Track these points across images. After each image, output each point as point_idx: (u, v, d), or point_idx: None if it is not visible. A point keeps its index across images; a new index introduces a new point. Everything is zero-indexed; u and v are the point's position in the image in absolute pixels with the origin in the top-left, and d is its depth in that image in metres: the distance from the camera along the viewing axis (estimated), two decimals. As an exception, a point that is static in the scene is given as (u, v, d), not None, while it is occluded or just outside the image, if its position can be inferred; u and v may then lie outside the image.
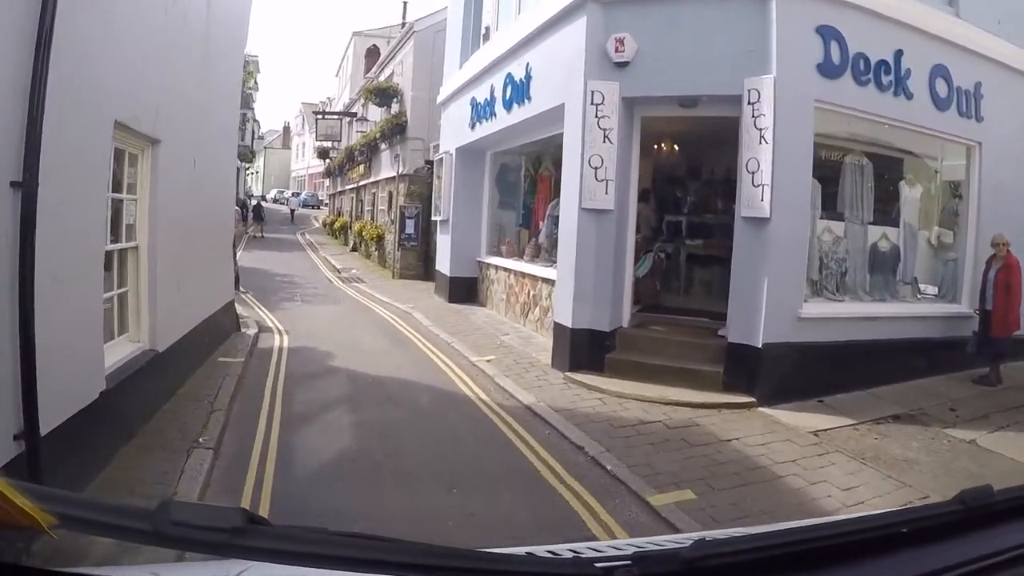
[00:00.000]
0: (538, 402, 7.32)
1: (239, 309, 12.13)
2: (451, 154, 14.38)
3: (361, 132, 23.31)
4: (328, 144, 35.80)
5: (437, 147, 17.84)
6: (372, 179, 23.02)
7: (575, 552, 1.22)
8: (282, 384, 7.61)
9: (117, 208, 5.61)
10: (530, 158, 13.45)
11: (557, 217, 11.97)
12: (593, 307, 8.29)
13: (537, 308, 10.97)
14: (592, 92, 8.19)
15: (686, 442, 6.14)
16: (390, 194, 20.06)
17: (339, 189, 32.38)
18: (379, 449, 5.86)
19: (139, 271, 6.04)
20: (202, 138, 7.52)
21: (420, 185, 18.22)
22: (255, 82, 50.94)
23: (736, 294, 7.87)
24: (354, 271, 19.79)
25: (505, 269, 12.70)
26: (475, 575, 0.92)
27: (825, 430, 6.59)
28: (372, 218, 22.99)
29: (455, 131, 14.26)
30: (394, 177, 19.32)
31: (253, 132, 49.80)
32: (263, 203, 41.32)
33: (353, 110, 27.71)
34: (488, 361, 9.00)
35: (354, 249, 25.86)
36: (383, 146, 21.01)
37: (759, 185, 7.55)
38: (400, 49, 20.14)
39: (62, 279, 4.06)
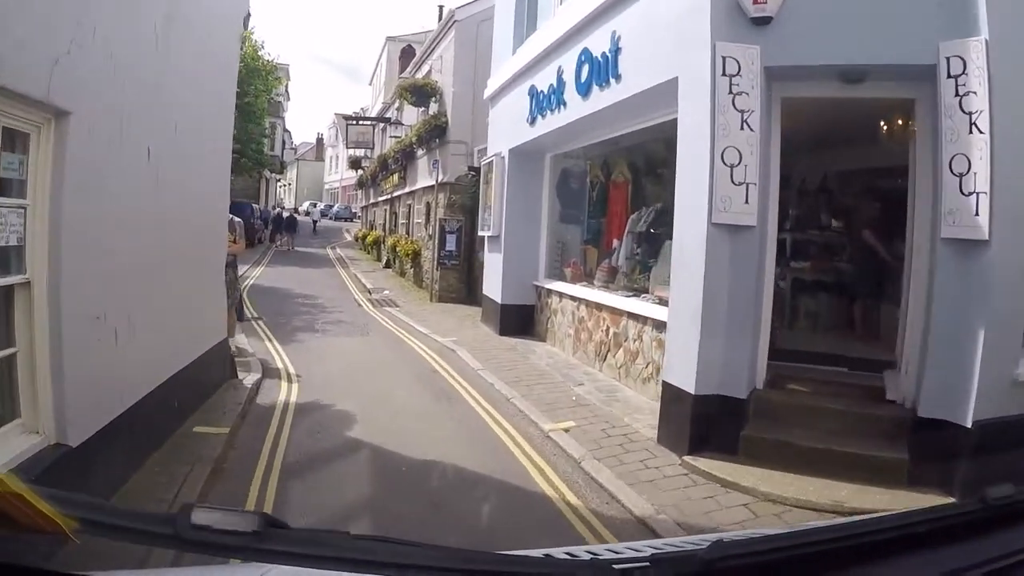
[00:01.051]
0: (657, 513, 4.85)
1: (245, 341, 9.90)
2: (503, 157, 12.03)
3: (395, 138, 21.12)
4: (360, 153, 33.85)
5: (483, 151, 15.56)
6: (407, 189, 20.78)
7: (593, 554, 1.22)
8: (276, 477, 5.20)
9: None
10: (597, 161, 11.04)
11: (640, 234, 9.54)
12: (724, 364, 5.78)
13: (620, 351, 8.47)
14: (723, 59, 5.72)
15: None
16: (428, 205, 17.78)
17: (371, 201, 30.29)
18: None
19: (34, 321, 3.71)
20: (164, 119, 5.19)
21: (462, 195, 15.90)
22: (286, 90, 49.43)
23: (933, 348, 5.37)
24: (387, 292, 17.51)
25: (572, 297, 10.26)
26: None
27: None
28: (407, 232, 20.74)
29: (508, 129, 11.90)
30: (432, 187, 17.05)
31: (284, 142, 48.24)
32: (296, 215, 39.76)
33: (387, 115, 25.59)
34: (566, 430, 6.53)
35: (387, 266, 23.65)
36: (419, 152, 18.77)
37: (971, 193, 5.07)
38: (439, 42, 17.89)
39: None
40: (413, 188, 19.87)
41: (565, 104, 9.28)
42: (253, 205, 32.07)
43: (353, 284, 19.50)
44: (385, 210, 25.55)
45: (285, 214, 34.67)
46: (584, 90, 8.57)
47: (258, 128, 30.72)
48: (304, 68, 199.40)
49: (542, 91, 10.08)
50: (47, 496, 0.79)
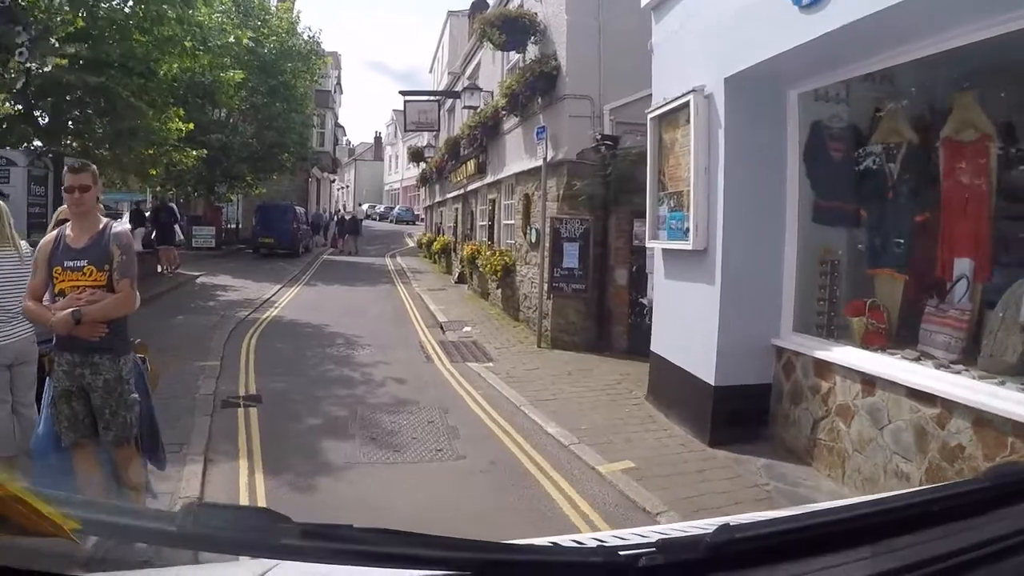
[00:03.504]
0: None
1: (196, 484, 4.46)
2: (707, 97, 6.19)
3: (470, 108, 15.41)
4: (421, 143, 28.37)
5: (620, 111, 9.92)
6: (489, 179, 15.03)
7: (599, 540, 1.22)
8: None
9: None
10: (901, 102, 5.20)
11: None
12: None
13: None
14: None
15: None
16: (526, 199, 11.96)
17: (437, 199, 24.77)
18: None
19: None
20: None
21: (588, 180, 10.06)
22: (338, 82, 44.42)
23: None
24: (467, 328, 11.76)
25: (889, 383, 4.41)
26: (503, 566, 0.92)
27: None
28: (490, 238, 14.98)
29: (716, 43, 6.09)
30: (533, 170, 11.30)
31: (336, 137, 43.25)
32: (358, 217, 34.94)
33: (456, 88, 19.94)
34: None
35: (460, 280, 18.03)
36: (510, 123, 13.00)
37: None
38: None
39: None
40: (499, 176, 14.09)
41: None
42: (296, 208, 26.94)
43: (417, 312, 13.83)
44: (456, 209, 19.87)
45: (347, 216, 32.83)
46: None
47: (300, 116, 25.55)
48: (359, 75, 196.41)
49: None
50: (47, 498, 0.80)
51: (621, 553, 0.95)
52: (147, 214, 19.04)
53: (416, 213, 50.00)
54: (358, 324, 11.98)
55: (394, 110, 66.57)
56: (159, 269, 17.59)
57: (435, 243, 22.35)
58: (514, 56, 13.60)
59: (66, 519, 0.79)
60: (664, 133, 7.20)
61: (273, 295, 15.40)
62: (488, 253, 13.87)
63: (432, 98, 20.71)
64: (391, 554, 0.86)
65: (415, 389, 7.91)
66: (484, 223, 16.27)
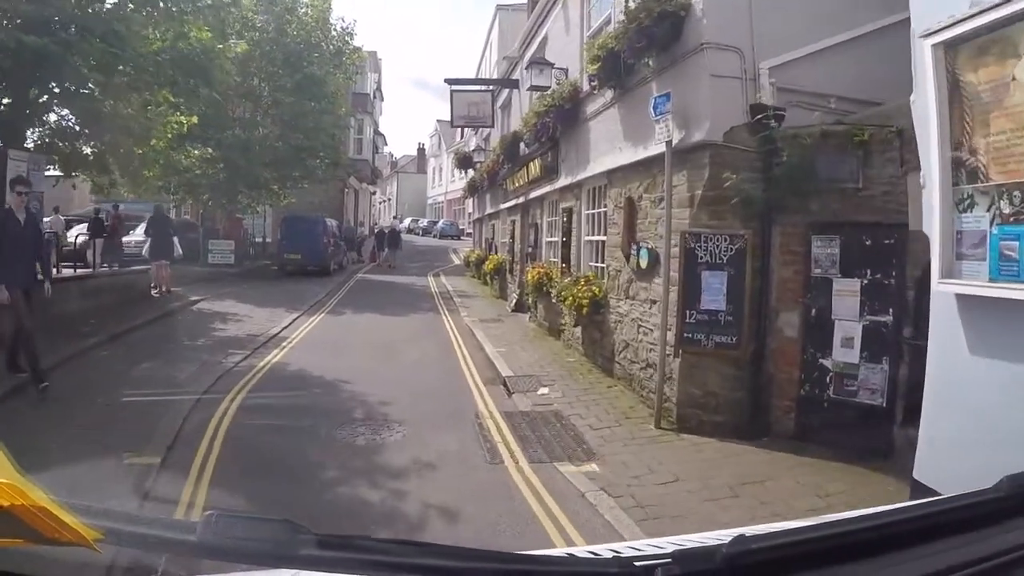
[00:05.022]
0: None
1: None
2: None
3: (537, 89, 12.02)
4: (469, 148, 25.12)
5: (779, 71, 6.51)
6: (564, 181, 11.56)
7: (615, 552, 1.19)
8: None
9: None
10: None
11: None
12: None
13: None
14: None
15: None
16: (629, 204, 8.37)
17: (488, 211, 21.45)
18: None
19: None
20: None
21: (742, 173, 6.48)
22: (378, 88, 41.41)
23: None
24: (544, 391, 8.20)
25: None
26: None
27: None
28: (564, 259, 11.44)
29: None
30: (641, 165, 7.90)
31: (376, 146, 40.28)
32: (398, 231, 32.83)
33: (512, 76, 16.66)
34: None
35: (519, 308, 14.63)
36: (599, 100, 9.54)
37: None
38: None
39: None
40: (578, 178, 10.61)
41: None
42: (327, 220, 23.81)
43: (469, 357, 10.37)
44: (512, 222, 16.42)
45: (387, 229, 32.56)
46: None
47: (331, 117, 22.47)
48: (400, 91, 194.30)
49: None
50: (69, 507, 0.80)
51: (637, 564, 0.94)
52: (106, 223, 16.22)
53: (461, 228, 47.15)
54: (390, 378, 8.57)
55: (437, 120, 64.13)
56: (152, 290, 14.56)
57: (487, 262, 18.90)
58: (598, 17, 10.19)
59: (88, 529, 0.80)
60: (969, 72, 3.67)
61: (284, 328, 12.12)
62: (565, 280, 10.35)
63: (484, 87, 17.29)
64: (408, 565, 0.86)
65: (479, 539, 4.39)
66: (553, 239, 12.80)
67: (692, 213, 6.71)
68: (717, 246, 6.48)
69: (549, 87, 11.49)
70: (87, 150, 12.58)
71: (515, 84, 16.26)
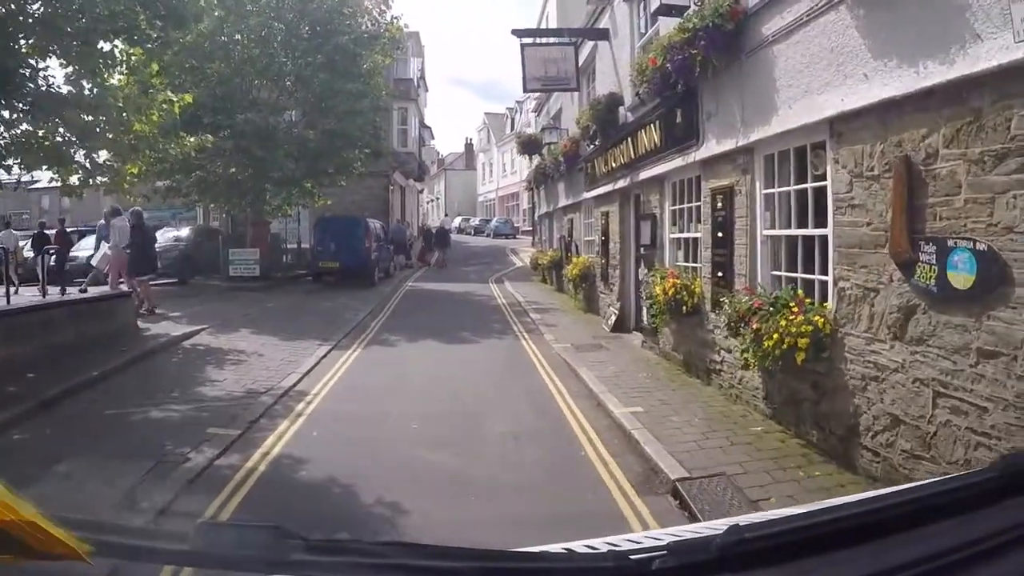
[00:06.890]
0: None
1: None
2: None
3: (666, 14, 8.17)
4: (534, 131, 21.40)
5: None
6: (715, 147, 7.65)
7: (612, 545, 1.17)
8: None
9: None
10: None
11: None
12: None
13: None
14: None
15: None
16: (907, 168, 4.37)
17: (562, 203, 17.69)
18: None
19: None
20: None
21: None
22: (421, 74, 37.72)
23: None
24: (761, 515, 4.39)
25: None
26: (516, 574, 0.89)
27: None
28: (719, 270, 7.48)
29: None
30: (936, 92, 3.86)
31: (422, 138, 36.69)
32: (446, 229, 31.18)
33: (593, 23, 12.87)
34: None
35: (620, 328, 10.83)
36: (795, 7, 5.61)
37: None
38: None
39: None
40: (749, 139, 6.68)
41: None
42: (370, 221, 20.26)
43: (590, 431, 6.46)
44: (605, 215, 12.48)
45: (435, 228, 31.58)
46: None
47: (369, 100, 18.88)
48: (441, 90, 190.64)
49: None
50: (59, 520, 0.78)
51: (633, 557, 0.94)
52: (50, 235, 13.96)
53: (516, 225, 43.37)
54: (469, 491, 4.83)
55: (485, 113, 60.64)
56: (137, 305, 11.30)
57: (569, 266, 15.01)
58: None
59: (79, 542, 0.78)
60: None
61: (306, 374, 8.49)
62: (742, 298, 6.41)
63: (567, 39, 13.36)
64: (401, 565, 0.85)
65: None
66: (681, 235, 8.94)
67: None
68: None
69: (688, 6, 7.61)
70: (41, 133, 9.21)
71: (604, 35, 12.38)
